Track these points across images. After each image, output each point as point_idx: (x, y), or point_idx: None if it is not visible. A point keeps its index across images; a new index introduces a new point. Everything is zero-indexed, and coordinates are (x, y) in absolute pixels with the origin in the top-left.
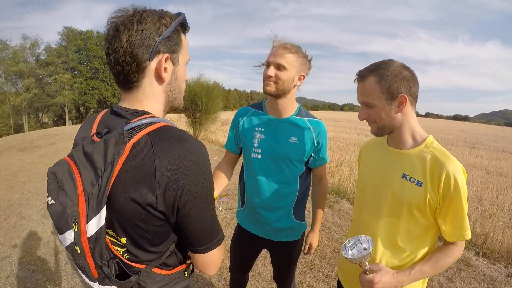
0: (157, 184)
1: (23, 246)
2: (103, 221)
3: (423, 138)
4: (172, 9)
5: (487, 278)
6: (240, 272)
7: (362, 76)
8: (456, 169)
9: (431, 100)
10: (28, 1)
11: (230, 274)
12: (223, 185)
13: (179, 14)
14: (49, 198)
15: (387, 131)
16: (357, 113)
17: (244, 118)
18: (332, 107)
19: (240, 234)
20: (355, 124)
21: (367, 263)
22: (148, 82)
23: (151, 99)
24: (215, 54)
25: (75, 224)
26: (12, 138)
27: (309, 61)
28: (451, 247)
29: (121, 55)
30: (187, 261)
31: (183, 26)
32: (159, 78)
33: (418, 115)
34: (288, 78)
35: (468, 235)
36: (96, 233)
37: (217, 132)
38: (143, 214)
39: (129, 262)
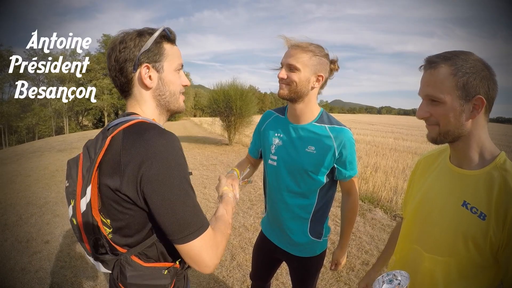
0: (122, 171)
1: (54, 243)
2: (88, 198)
3: (493, 155)
4: (207, 14)
5: None
6: (261, 281)
7: (433, 62)
8: None
9: None
10: (68, 11)
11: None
12: (246, 167)
13: (164, 28)
14: (66, 181)
15: (449, 139)
16: (394, 117)
17: (266, 122)
18: (369, 110)
19: (262, 241)
20: (392, 128)
21: None
22: (137, 90)
23: (141, 103)
24: (250, 58)
25: (72, 200)
26: (53, 140)
27: (331, 60)
28: None
29: (113, 71)
30: (174, 262)
31: (166, 38)
32: (144, 86)
33: None
34: (301, 79)
35: None
36: (86, 209)
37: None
38: (116, 197)
39: (113, 244)
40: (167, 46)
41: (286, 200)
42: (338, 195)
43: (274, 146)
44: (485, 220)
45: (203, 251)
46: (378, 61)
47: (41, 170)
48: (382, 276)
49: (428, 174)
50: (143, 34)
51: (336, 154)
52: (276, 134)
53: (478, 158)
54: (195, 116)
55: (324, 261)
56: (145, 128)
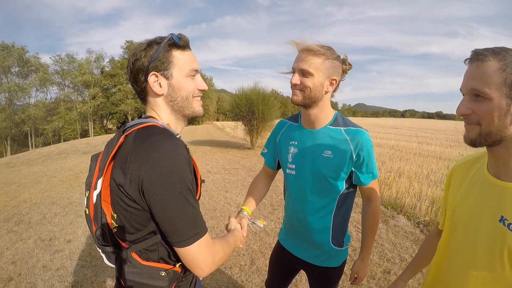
0: (126, 169)
1: (76, 242)
2: (99, 190)
3: None
4: (229, 19)
5: None
6: None
7: (481, 54)
8: None
9: None
10: (92, 19)
11: None
12: (257, 199)
13: (170, 36)
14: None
15: (489, 142)
16: (418, 120)
17: (281, 131)
18: (392, 113)
19: (278, 250)
20: (416, 132)
21: None
22: (151, 97)
23: (156, 109)
24: (272, 62)
25: (87, 192)
26: (78, 142)
27: (343, 60)
28: None
29: (130, 81)
30: (173, 265)
31: (175, 45)
32: (154, 93)
33: None
34: (315, 84)
35: None
36: (96, 200)
37: None
38: (119, 193)
39: (117, 238)
40: (176, 53)
41: (307, 208)
42: (359, 199)
43: (290, 154)
44: None
45: (199, 256)
46: (402, 63)
47: (66, 172)
48: None
49: (464, 183)
50: (151, 44)
51: (354, 157)
52: (291, 143)
53: None
54: (217, 120)
55: (345, 268)
56: (155, 132)
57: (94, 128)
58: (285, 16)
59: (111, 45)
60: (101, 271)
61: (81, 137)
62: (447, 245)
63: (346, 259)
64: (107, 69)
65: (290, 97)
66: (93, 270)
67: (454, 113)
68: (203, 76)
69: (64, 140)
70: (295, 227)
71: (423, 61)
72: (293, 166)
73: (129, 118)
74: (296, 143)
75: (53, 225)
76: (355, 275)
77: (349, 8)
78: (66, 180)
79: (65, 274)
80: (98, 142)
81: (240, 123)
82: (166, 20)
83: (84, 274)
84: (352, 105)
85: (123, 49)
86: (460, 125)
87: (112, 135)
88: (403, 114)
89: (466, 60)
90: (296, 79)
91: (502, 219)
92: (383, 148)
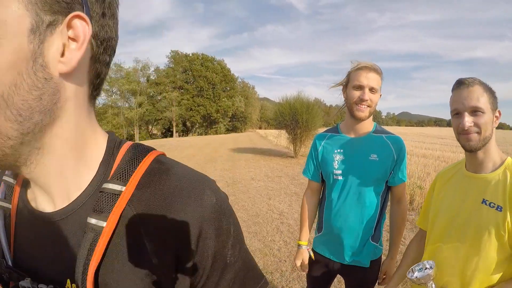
0: None
1: None
2: None
3: (503, 159)
4: (270, 28)
5: None
6: None
7: (470, 82)
8: None
9: None
10: (138, 30)
11: None
12: (311, 223)
13: None
14: None
15: (482, 145)
16: None
17: (322, 143)
18: (438, 122)
19: (317, 260)
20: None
21: (433, 284)
22: None
23: None
24: (314, 70)
25: None
26: None
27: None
28: None
29: None
30: None
31: None
32: None
33: None
34: (376, 101)
35: None
36: None
37: None
38: None
39: None
40: None
41: (353, 211)
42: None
43: (336, 162)
44: (501, 211)
45: None
46: (446, 69)
47: None
48: (414, 266)
49: (447, 185)
50: None
51: (395, 160)
52: (336, 151)
53: (492, 162)
54: (260, 128)
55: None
56: None
57: (139, 133)
58: (326, 24)
59: (157, 54)
60: None
61: None
62: (435, 232)
63: (381, 256)
64: (153, 78)
65: (354, 112)
66: None
67: (506, 122)
68: (245, 85)
69: None
70: (336, 231)
71: (468, 67)
72: (340, 172)
73: (174, 124)
74: (342, 150)
75: None
76: (384, 274)
77: (390, 14)
78: None
79: None
80: None
81: (283, 131)
82: (208, 30)
83: None
84: (396, 114)
85: (168, 58)
86: (508, 135)
87: (157, 140)
88: (449, 123)
89: (454, 86)
90: (368, 95)
91: (484, 201)
92: (428, 159)
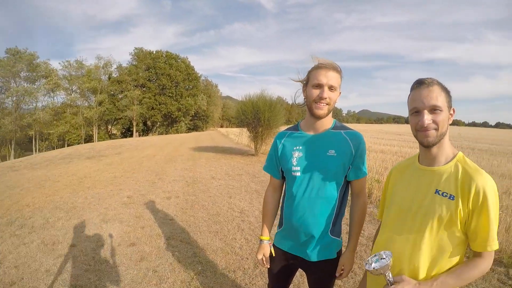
0: None
1: (80, 247)
2: None
3: (454, 154)
4: (237, 27)
5: None
6: None
7: (429, 82)
8: (486, 183)
9: (502, 109)
10: (102, 26)
11: None
12: (272, 219)
13: None
14: None
15: (438, 141)
16: None
17: (282, 141)
18: (397, 119)
19: (277, 254)
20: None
21: (390, 274)
22: None
23: None
24: (280, 69)
25: None
26: (82, 147)
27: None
28: (477, 259)
29: None
30: None
31: None
32: None
33: (487, 125)
34: (337, 98)
35: (493, 246)
36: None
37: None
38: None
39: None
40: None
41: (311, 205)
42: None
43: (295, 158)
44: (454, 200)
45: None
46: (407, 69)
47: (69, 176)
48: (370, 257)
49: (401, 177)
50: None
51: (353, 155)
52: (295, 148)
53: (445, 156)
54: (222, 126)
55: None
56: None
57: (98, 133)
58: (294, 23)
59: (121, 51)
60: (104, 275)
61: (85, 142)
62: (390, 223)
63: (342, 249)
64: (115, 75)
65: (314, 110)
66: (97, 275)
67: (461, 119)
68: (209, 83)
69: (69, 145)
70: (296, 226)
71: (429, 67)
72: (298, 168)
73: (134, 124)
74: (300, 147)
75: (56, 229)
76: (342, 268)
77: (357, 15)
78: (69, 184)
79: (68, 278)
80: (102, 147)
81: (245, 129)
82: (175, 27)
83: (88, 278)
84: (356, 112)
85: (132, 55)
86: (463, 131)
87: (116, 141)
88: (407, 120)
89: (414, 85)
90: (327, 93)
91: (437, 191)
92: (387, 155)
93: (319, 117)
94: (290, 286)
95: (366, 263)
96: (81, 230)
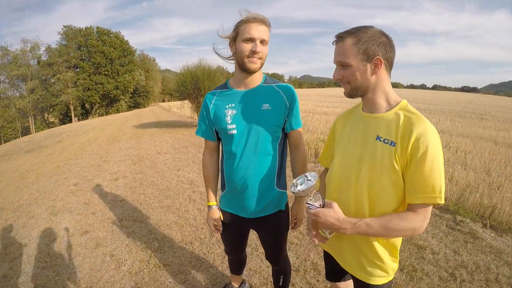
0: None
1: (33, 245)
2: None
3: (397, 101)
4: None
5: (494, 250)
6: (236, 253)
7: (340, 37)
8: (427, 131)
9: (438, 73)
10: (25, 6)
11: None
12: (216, 184)
13: None
14: None
15: (360, 93)
16: None
17: (213, 100)
18: (338, 83)
19: (226, 218)
20: (357, 100)
21: (320, 196)
22: None
23: None
24: (218, 39)
25: None
26: (20, 141)
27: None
28: (409, 213)
29: None
30: None
31: None
32: None
33: (425, 87)
34: (267, 52)
35: (433, 200)
36: None
37: None
38: None
39: None
40: None
41: (253, 162)
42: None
43: (229, 117)
44: (394, 146)
45: None
46: None
47: (10, 174)
48: (295, 180)
49: (346, 126)
50: None
51: (288, 107)
52: (227, 106)
53: (386, 104)
54: (164, 101)
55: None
56: None
57: (35, 124)
58: None
59: (49, 31)
60: (62, 269)
61: (22, 135)
62: (334, 168)
63: (287, 201)
64: (44, 58)
65: (247, 64)
66: (55, 270)
67: (400, 81)
68: (145, 57)
69: (5, 141)
70: (239, 186)
71: None
72: (234, 126)
73: (71, 108)
74: (233, 105)
75: (6, 232)
76: (295, 218)
77: None
78: (12, 182)
79: (27, 280)
80: (41, 137)
81: (186, 101)
82: (105, 1)
83: (46, 275)
84: (298, 77)
85: (61, 35)
86: (403, 92)
87: (56, 129)
88: None
89: (333, 42)
90: (260, 47)
91: (378, 137)
92: (330, 116)
93: (252, 72)
94: (248, 249)
95: (291, 186)
96: (31, 227)
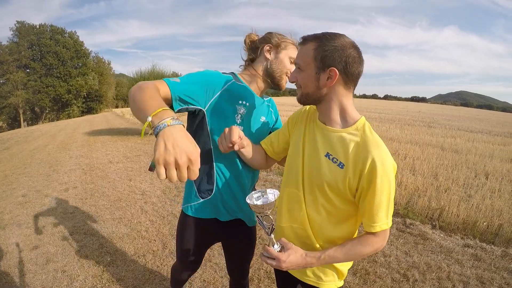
0: None
1: None
2: None
3: (355, 120)
4: None
5: (444, 249)
6: (192, 269)
7: (304, 39)
8: (384, 159)
9: (390, 84)
10: None
11: (174, 274)
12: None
13: None
14: None
15: (310, 101)
16: None
17: (228, 83)
18: (292, 92)
19: (196, 225)
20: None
21: (273, 238)
22: None
23: None
24: (174, 44)
25: None
26: None
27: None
28: (370, 236)
29: None
30: None
31: None
32: None
33: (377, 97)
34: None
35: (377, 227)
36: None
37: None
38: None
39: None
40: None
41: (247, 169)
42: None
43: (239, 115)
44: (343, 168)
45: None
46: None
47: None
48: (253, 193)
49: (301, 125)
50: None
51: (274, 121)
52: (240, 102)
53: (341, 120)
54: (117, 107)
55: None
56: None
57: None
58: None
59: (1, 26)
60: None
61: None
62: (286, 174)
63: None
64: None
65: (281, 81)
66: None
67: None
68: (100, 60)
69: None
70: (234, 191)
71: None
72: (242, 128)
73: (21, 112)
74: (247, 104)
75: None
76: None
77: None
78: None
79: None
80: None
81: None
82: None
83: None
84: None
85: (13, 31)
86: (355, 102)
87: (4, 134)
88: None
89: (298, 43)
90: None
91: (327, 154)
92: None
93: (278, 89)
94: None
95: (248, 197)
96: None
